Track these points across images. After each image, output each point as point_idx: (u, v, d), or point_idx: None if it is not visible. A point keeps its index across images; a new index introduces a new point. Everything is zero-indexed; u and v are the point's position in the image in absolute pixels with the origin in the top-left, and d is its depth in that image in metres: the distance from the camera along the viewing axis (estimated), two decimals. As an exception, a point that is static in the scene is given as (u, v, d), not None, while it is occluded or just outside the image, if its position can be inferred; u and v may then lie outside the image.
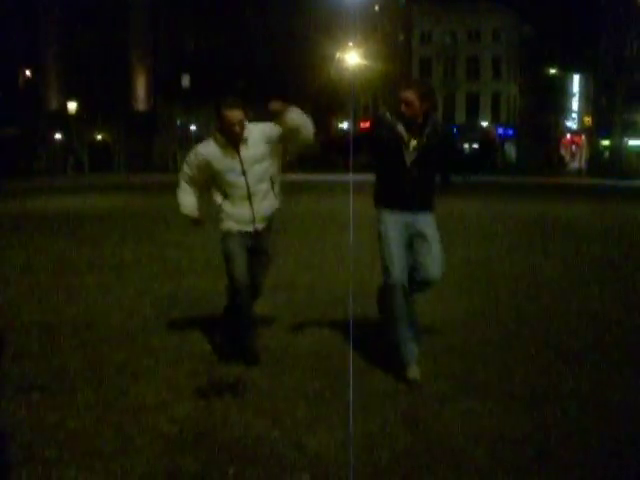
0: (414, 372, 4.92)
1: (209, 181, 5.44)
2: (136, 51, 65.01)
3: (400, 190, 5.06)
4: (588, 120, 72.68)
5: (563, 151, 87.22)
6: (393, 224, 5.04)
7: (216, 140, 5.30)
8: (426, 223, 5.11)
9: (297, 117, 5.14)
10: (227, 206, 5.38)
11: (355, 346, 5.49)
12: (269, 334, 6.09)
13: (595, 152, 74.27)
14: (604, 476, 3.65)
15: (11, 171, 43.12)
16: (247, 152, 5.24)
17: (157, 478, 3.61)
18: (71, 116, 53.14)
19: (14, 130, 55.73)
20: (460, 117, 75.64)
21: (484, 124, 68.78)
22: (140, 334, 6.16)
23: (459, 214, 16.15)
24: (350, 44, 56.93)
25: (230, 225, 5.40)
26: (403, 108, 5.05)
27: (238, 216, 5.36)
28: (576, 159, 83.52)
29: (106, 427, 4.16)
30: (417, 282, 5.14)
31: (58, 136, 57.80)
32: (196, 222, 5.62)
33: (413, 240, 5.07)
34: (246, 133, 5.24)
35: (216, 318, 6.27)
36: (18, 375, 5.06)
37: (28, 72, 57.46)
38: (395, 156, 5.04)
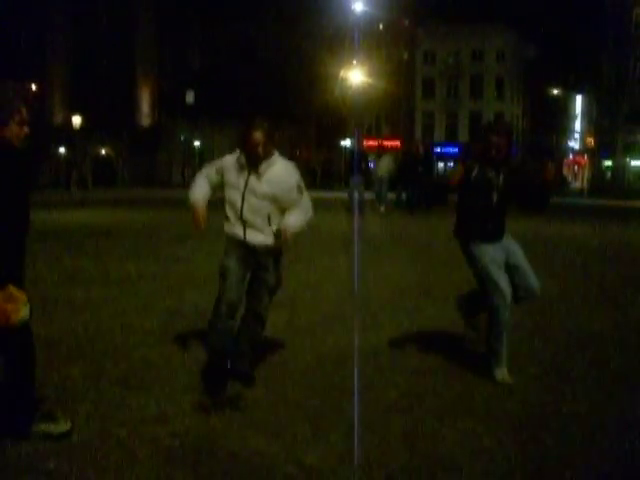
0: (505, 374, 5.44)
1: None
2: (141, 67, 65.33)
3: (487, 224, 5.57)
4: (590, 141, 72.80)
5: (565, 172, 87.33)
6: (491, 251, 5.53)
7: (237, 157, 5.28)
8: (509, 243, 5.69)
9: (299, 228, 5.29)
10: (227, 219, 5.39)
11: (356, 363, 5.51)
12: (270, 350, 6.11)
13: (597, 172, 74.38)
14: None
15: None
16: (255, 182, 5.18)
17: (157, 491, 3.63)
18: (75, 130, 53.32)
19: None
20: (463, 136, 75.91)
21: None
22: (142, 348, 6.18)
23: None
24: (354, 62, 57.19)
25: (230, 230, 5.38)
26: (494, 153, 5.44)
27: (233, 230, 5.35)
28: (578, 179, 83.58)
29: (106, 440, 4.18)
30: (523, 293, 5.67)
31: (62, 150, 57.94)
32: (196, 215, 5.34)
33: (507, 260, 5.59)
34: (268, 164, 5.18)
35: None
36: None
37: (33, 86, 57.76)
38: (484, 197, 5.53)
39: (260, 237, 5.24)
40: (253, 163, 5.16)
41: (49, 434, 4.17)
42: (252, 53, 64.80)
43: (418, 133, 77.88)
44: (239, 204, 5.22)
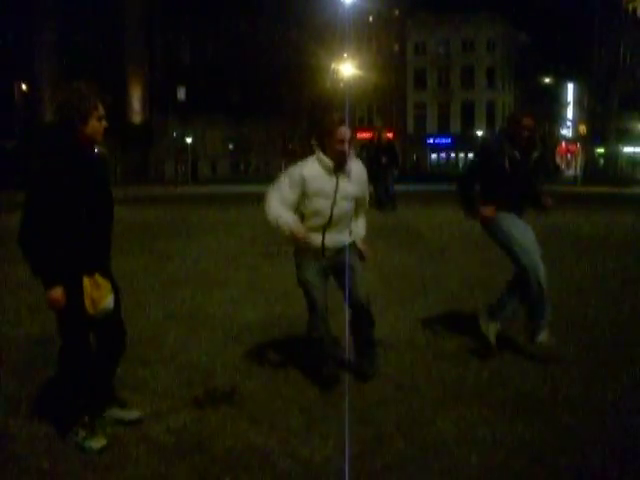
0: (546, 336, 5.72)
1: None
2: (132, 64, 65.11)
3: (511, 199, 5.85)
4: (583, 128, 72.91)
5: (558, 159, 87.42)
6: (516, 220, 5.87)
7: (320, 161, 4.90)
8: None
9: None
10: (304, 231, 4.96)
11: (350, 355, 5.51)
12: (265, 345, 6.11)
13: (590, 160, 74.54)
14: (596, 481, 3.68)
15: (8, 185, 43.14)
16: (344, 183, 4.92)
17: (152, 488, 3.63)
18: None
19: (12, 144, 55.78)
20: (455, 126, 75.97)
21: (479, 133, 68.96)
22: (136, 345, 6.15)
23: (456, 221, 16.17)
24: (345, 55, 57.16)
25: (302, 245, 5.00)
26: (526, 134, 5.79)
27: (310, 242, 4.97)
28: (571, 167, 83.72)
29: (102, 438, 4.17)
30: None
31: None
32: (301, 236, 4.90)
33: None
34: (349, 166, 4.95)
35: (211, 329, 6.28)
36: (14, 387, 5.08)
37: (24, 86, 57.53)
38: (516, 180, 5.80)
39: (342, 238, 5.05)
40: (341, 164, 4.88)
41: (121, 420, 4.36)
42: (243, 48, 64.64)
43: (410, 124, 77.94)
44: (328, 211, 4.91)
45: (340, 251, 5.04)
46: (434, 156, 78.45)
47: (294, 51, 65.84)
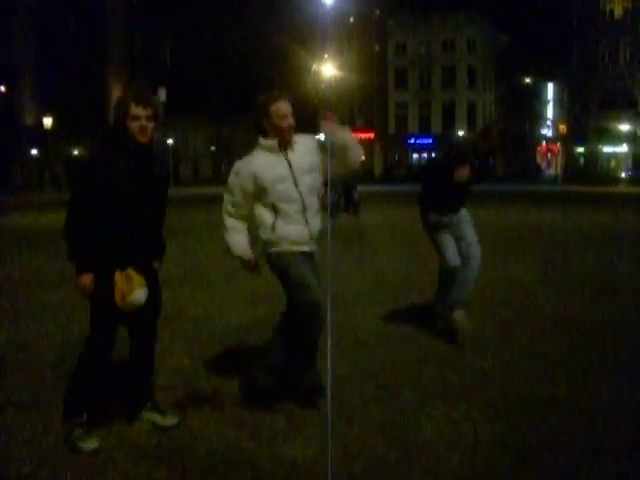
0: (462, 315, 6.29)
1: (256, 201, 4.64)
2: (112, 65, 64.85)
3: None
4: (563, 127, 73.39)
5: (539, 159, 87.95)
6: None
7: (261, 147, 4.60)
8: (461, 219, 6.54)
9: (348, 137, 4.67)
10: (281, 225, 4.57)
11: (332, 356, 5.49)
12: (248, 347, 6.09)
13: (570, 159, 75.02)
14: (582, 479, 3.69)
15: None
16: (296, 160, 4.57)
17: (134, 492, 3.59)
18: (47, 131, 52.87)
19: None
20: (436, 126, 76.13)
21: (460, 133, 69.21)
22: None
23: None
24: (326, 56, 57.13)
25: (285, 247, 4.61)
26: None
27: (295, 236, 4.59)
28: (552, 166, 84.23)
29: (83, 442, 4.13)
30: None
31: (34, 152, 57.42)
32: (250, 266, 4.75)
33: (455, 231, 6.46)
34: (294, 139, 4.63)
35: (194, 331, 6.23)
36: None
37: (3, 88, 57.11)
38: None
39: (317, 222, 4.69)
40: (285, 138, 4.56)
41: (155, 424, 4.37)
42: (224, 49, 64.51)
43: (391, 124, 78.04)
44: (296, 193, 4.54)
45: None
46: (415, 156, 78.58)
47: (275, 52, 65.78)
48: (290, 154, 4.57)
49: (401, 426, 4.36)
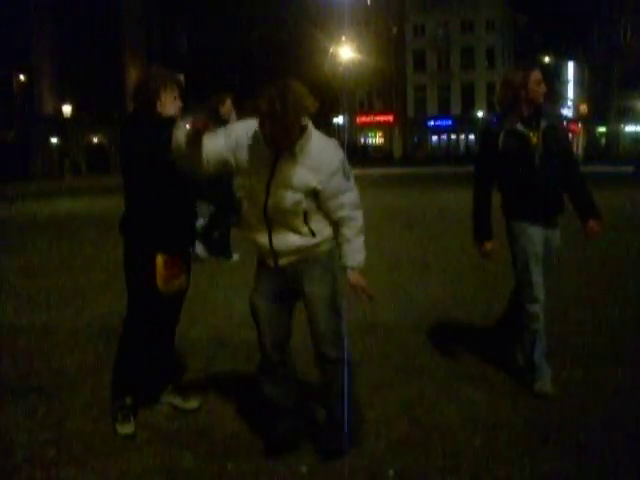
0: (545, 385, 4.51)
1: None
2: (129, 53, 64.89)
3: (531, 197, 4.51)
4: (584, 107, 72.64)
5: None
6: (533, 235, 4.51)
7: (259, 130, 3.43)
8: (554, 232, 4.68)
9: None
10: (245, 223, 3.77)
11: (350, 340, 5.49)
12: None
13: (591, 139, 74.33)
14: (602, 459, 3.66)
15: (8, 176, 43.18)
16: (289, 165, 3.47)
17: (156, 475, 3.61)
18: (66, 119, 53.06)
19: (11, 135, 55.78)
20: (456, 108, 75.65)
21: (480, 114, 68.73)
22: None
23: (445, 203, 16.14)
24: (343, 38, 56.84)
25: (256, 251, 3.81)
26: (524, 95, 4.56)
27: (256, 242, 3.71)
28: (572, 147, 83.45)
29: (104, 427, 4.16)
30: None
31: (54, 140, 57.70)
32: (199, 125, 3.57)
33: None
34: (302, 143, 3.45)
35: (214, 314, 6.25)
36: (16, 377, 5.07)
37: (22, 77, 57.33)
38: (523, 163, 4.48)
39: (292, 239, 3.57)
40: (282, 141, 3.41)
41: (176, 407, 4.38)
42: (240, 33, 64.37)
43: (410, 107, 77.64)
44: (263, 198, 3.53)
45: (303, 262, 3.63)
46: (435, 138, 78.16)
47: (293, 34, 65.54)
48: (285, 155, 3.46)
49: (422, 407, 4.35)
